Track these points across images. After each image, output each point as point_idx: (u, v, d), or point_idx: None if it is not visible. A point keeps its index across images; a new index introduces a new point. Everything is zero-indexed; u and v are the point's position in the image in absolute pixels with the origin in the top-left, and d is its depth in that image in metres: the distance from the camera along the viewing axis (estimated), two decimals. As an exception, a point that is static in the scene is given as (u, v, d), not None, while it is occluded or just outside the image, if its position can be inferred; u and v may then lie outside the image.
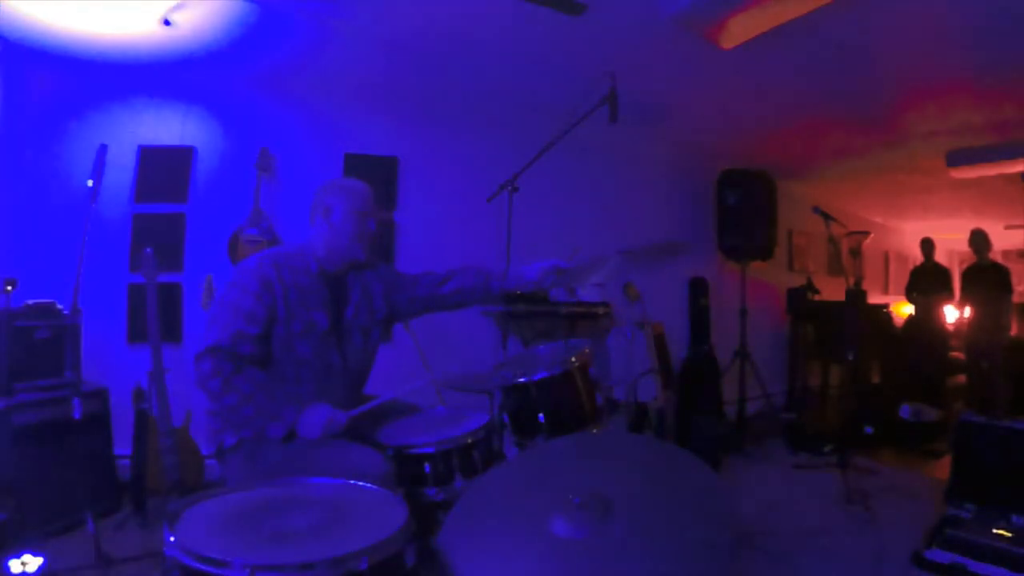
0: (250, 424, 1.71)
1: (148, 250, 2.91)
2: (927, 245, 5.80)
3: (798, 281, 5.51)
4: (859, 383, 4.56)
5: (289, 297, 1.80)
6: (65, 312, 2.66)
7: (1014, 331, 5.40)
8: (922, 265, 5.79)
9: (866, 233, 6.02)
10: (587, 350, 2.12)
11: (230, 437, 1.77)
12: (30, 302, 2.69)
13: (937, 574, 2.23)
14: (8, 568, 1.89)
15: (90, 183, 2.41)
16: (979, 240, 5.15)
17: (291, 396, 1.76)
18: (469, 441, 1.86)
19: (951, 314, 5.85)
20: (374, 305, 2.06)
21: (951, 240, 9.96)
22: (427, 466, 1.82)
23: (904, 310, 6.19)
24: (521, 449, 2.03)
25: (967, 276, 5.31)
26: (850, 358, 4.03)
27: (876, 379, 5.11)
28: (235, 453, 1.77)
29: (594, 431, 2.02)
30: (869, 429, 4.09)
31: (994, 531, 2.40)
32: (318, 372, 1.88)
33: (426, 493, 1.80)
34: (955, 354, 5.82)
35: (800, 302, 5.38)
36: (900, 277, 7.33)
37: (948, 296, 5.62)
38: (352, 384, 2.03)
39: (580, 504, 1.23)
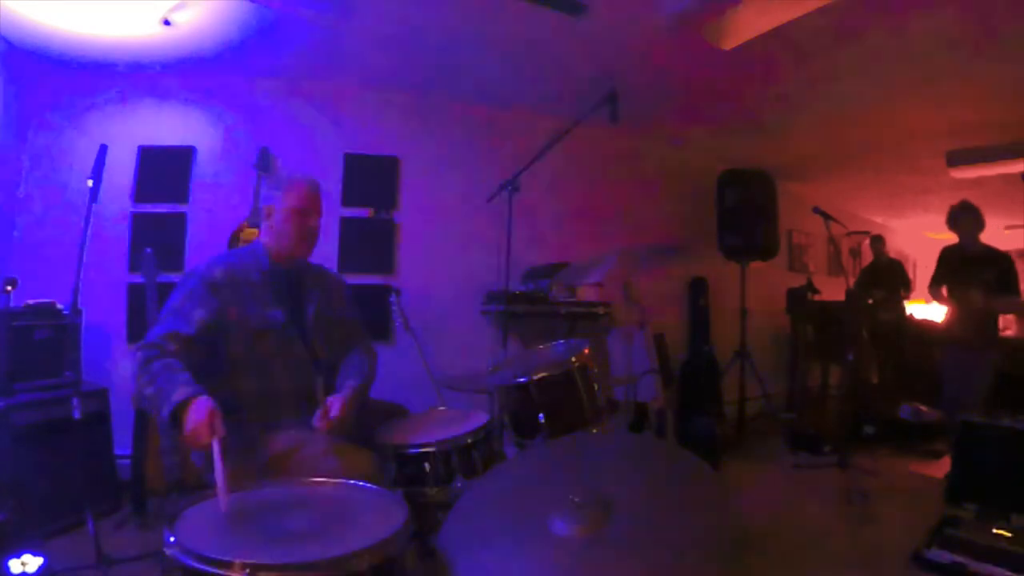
0: (152, 407, 1.59)
1: (148, 250, 2.91)
2: (877, 242, 5.72)
3: (798, 281, 5.51)
4: (859, 383, 4.56)
5: (242, 295, 1.79)
6: (65, 312, 2.66)
7: (1013, 331, 5.40)
8: (875, 263, 5.75)
9: (866, 233, 6.01)
10: (587, 350, 2.12)
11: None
12: (30, 302, 2.69)
13: (937, 574, 2.23)
14: (8, 568, 1.89)
15: (90, 183, 2.41)
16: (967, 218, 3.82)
17: (262, 392, 1.76)
18: (469, 441, 1.87)
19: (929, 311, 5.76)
20: (334, 304, 2.05)
21: (950, 240, 9.98)
22: (427, 466, 1.82)
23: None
24: (521, 449, 2.03)
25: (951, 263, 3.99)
26: (850, 358, 4.03)
27: (876, 379, 5.11)
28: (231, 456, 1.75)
29: (594, 431, 2.02)
30: (869, 429, 4.09)
31: (994, 531, 2.40)
32: (287, 366, 1.85)
33: (426, 493, 1.80)
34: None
35: (800, 302, 5.38)
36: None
37: (906, 292, 5.61)
38: (324, 377, 1.94)
39: (580, 504, 1.23)
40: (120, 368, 3.05)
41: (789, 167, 5.23)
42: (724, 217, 4.79)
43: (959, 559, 2.22)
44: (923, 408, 4.12)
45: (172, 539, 1.02)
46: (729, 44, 2.85)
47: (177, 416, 1.49)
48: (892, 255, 6.05)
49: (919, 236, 8.96)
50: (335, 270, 3.54)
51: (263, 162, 3.40)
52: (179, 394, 1.51)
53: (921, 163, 5.02)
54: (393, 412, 2.22)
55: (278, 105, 3.57)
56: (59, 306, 2.73)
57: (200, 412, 1.46)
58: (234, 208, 3.38)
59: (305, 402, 1.78)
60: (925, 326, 5.50)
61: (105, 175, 2.55)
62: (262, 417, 1.77)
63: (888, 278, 5.53)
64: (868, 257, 5.96)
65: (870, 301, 5.15)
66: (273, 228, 1.88)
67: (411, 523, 1.14)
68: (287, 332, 1.86)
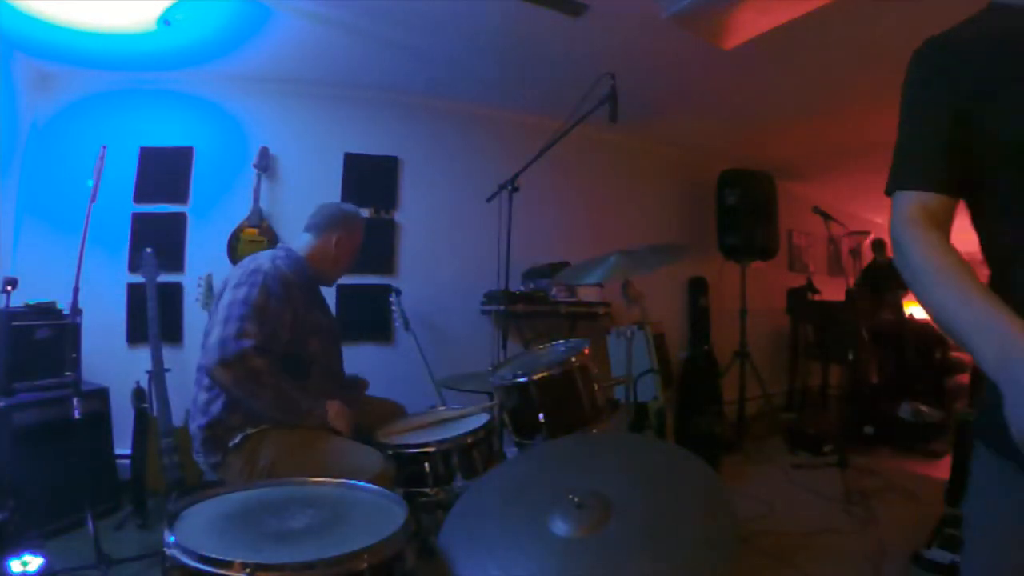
0: (278, 418, 1.78)
1: (148, 250, 2.91)
2: (879, 245, 5.81)
3: (798, 281, 5.51)
4: (859, 383, 4.56)
5: (301, 298, 1.93)
6: (65, 312, 2.66)
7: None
8: (873, 263, 5.79)
9: (866, 233, 6.01)
10: (587, 350, 2.12)
11: (234, 439, 1.78)
12: (30, 302, 2.69)
13: (937, 574, 2.23)
14: (8, 568, 1.89)
15: (90, 183, 2.41)
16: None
17: (301, 391, 1.84)
18: (469, 441, 1.87)
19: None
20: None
21: (951, 240, 9.98)
22: (427, 466, 1.82)
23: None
24: (521, 449, 2.03)
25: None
26: (850, 358, 4.03)
27: (876, 379, 5.11)
28: (237, 455, 1.77)
29: (594, 431, 2.02)
30: (869, 429, 4.09)
31: (994, 531, 2.40)
32: (323, 368, 1.99)
33: (426, 493, 1.80)
34: (956, 354, 5.82)
35: (800, 302, 5.38)
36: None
37: (905, 292, 5.64)
38: (341, 378, 2.16)
39: (580, 504, 1.23)
40: (120, 368, 3.04)
41: (789, 167, 5.23)
42: (724, 217, 4.79)
43: (959, 559, 2.21)
44: (923, 408, 4.12)
45: (172, 539, 1.02)
46: (729, 44, 2.85)
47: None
48: (892, 254, 6.06)
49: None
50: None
51: (263, 161, 3.40)
52: (317, 406, 1.82)
53: (921, 163, 5.01)
54: (392, 411, 2.22)
55: (278, 105, 3.57)
56: (59, 306, 2.72)
57: (343, 411, 1.84)
58: (234, 208, 3.38)
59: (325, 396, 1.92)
60: (925, 326, 5.50)
61: (105, 175, 2.55)
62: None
63: (887, 279, 5.54)
64: (868, 257, 5.96)
65: (866, 304, 5.17)
66: (329, 255, 2.08)
67: (411, 523, 1.14)
68: (329, 335, 2.07)
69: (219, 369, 1.71)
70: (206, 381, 1.84)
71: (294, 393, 1.79)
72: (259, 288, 1.82)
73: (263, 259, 1.92)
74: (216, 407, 1.81)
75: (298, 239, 2.12)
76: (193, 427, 1.86)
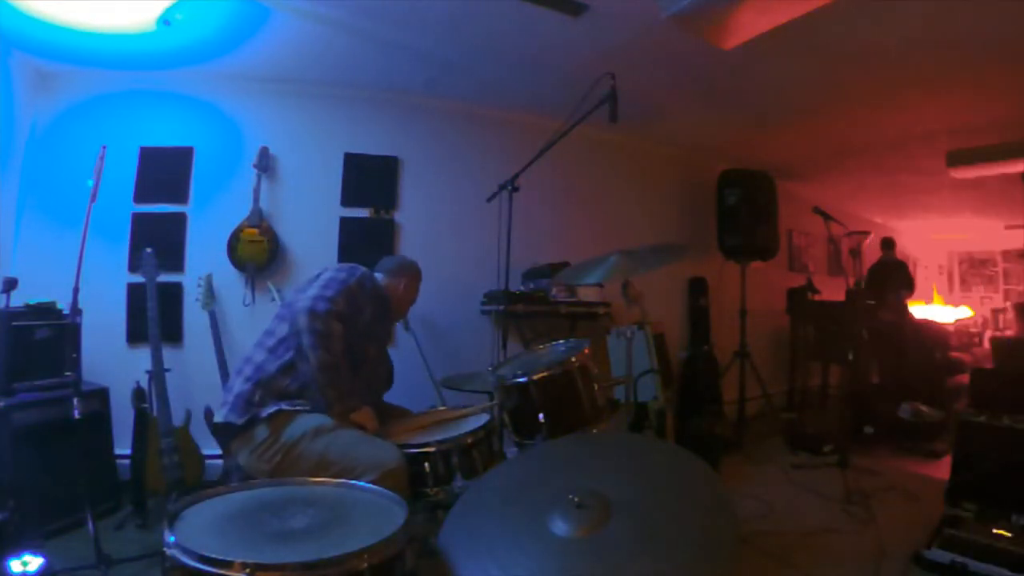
0: (321, 384, 1.92)
1: (148, 250, 2.91)
2: (887, 244, 5.95)
3: (798, 281, 5.51)
4: (859, 383, 4.55)
5: (373, 309, 2.16)
6: (65, 312, 2.66)
7: (1013, 331, 5.41)
8: (881, 262, 5.81)
9: (866, 233, 6.01)
10: (587, 350, 2.12)
11: (268, 408, 1.88)
12: (30, 302, 2.69)
13: (937, 574, 2.23)
14: (8, 568, 1.89)
15: (90, 183, 2.41)
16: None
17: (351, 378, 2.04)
18: (469, 441, 1.87)
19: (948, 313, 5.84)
20: None
21: (951, 240, 9.97)
22: (427, 465, 1.82)
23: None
24: (521, 449, 2.03)
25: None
26: (850, 358, 4.02)
27: (875, 379, 5.11)
28: (264, 425, 1.85)
29: (594, 431, 2.02)
30: (869, 429, 4.09)
31: (994, 531, 2.40)
32: (369, 375, 2.19)
33: (426, 493, 1.80)
34: (955, 354, 5.83)
35: (800, 302, 5.38)
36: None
37: (910, 291, 5.66)
38: (379, 394, 2.37)
39: (580, 504, 1.23)
40: (120, 368, 3.04)
41: (789, 167, 5.23)
42: (724, 217, 4.79)
43: (959, 559, 2.21)
44: (923, 408, 4.12)
45: (172, 539, 1.02)
46: (729, 44, 2.85)
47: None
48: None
49: (920, 236, 8.97)
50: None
51: (263, 161, 3.40)
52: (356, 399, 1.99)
53: (921, 163, 5.02)
54: (399, 415, 2.23)
55: (278, 105, 3.57)
56: (59, 306, 2.73)
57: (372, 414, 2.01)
58: (234, 208, 3.38)
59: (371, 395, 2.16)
60: (925, 326, 5.51)
61: (105, 175, 2.55)
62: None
63: (894, 279, 5.55)
64: (868, 257, 5.97)
65: (872, 302, 5.16)
66: (397, 294, 2.36)
67: (411, 523, 1.14)
68: (383, 353, 2.35)
69: (306, 316, 1.93)
70: (271, 342, 2.03)
71: (346, 373, 1.97)
72: (356, 279, 2.11)
73: (358, 270, 2.19)
74: (272, 367, 1.97)
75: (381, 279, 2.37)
76: (236, 383, 1.98)
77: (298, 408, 1.89)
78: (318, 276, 2.13)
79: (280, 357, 1.98)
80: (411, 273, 2.45)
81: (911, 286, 5.76)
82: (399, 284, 2.37)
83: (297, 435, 1.81)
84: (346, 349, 1.99)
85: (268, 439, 1.83)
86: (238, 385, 1.96)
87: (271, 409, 1.87)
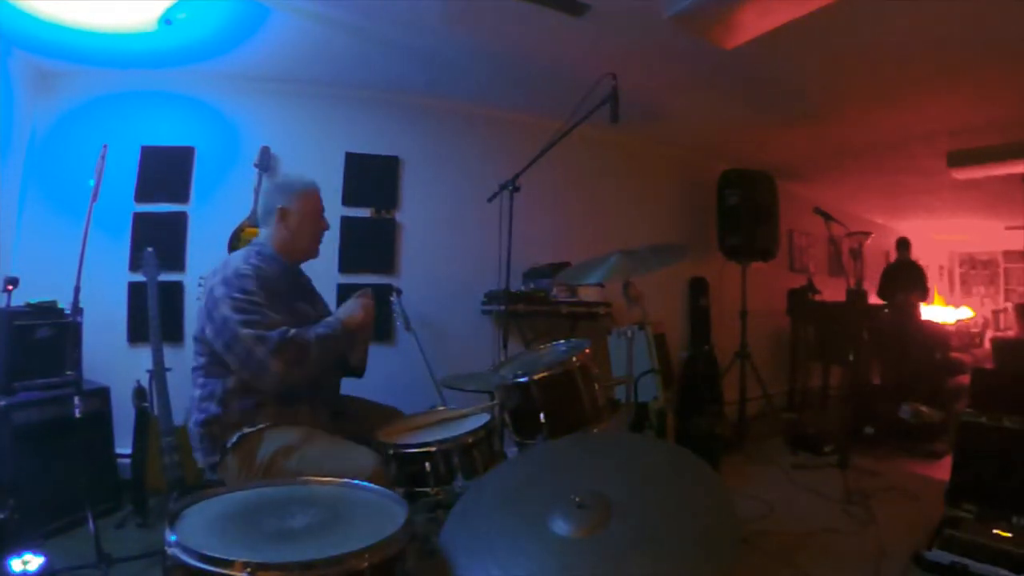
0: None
1: (149, 249, 2.91)
2: (903, 245, 5.97)
3: (799, 281, 5.51)
4: (859, 384, 4.55)
5: (277, 290, 1.88)
6: (66, 311, 2.66)
7: (1014, 331, 5.41)
8: (897, 264, 5.82)
9: (867, 233, 6.01)
10: (588, 350, 2.12)
11: (231, 438, 1.78)
12: (31, 301, 2.69)
13: (937, 574, 2.23)
14: (9, 567, 1.89)
15: (91, 182, 2.42)
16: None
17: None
18: (470, 441, 1.87)
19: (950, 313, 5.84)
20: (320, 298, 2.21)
21: (951, 241, 9.97)
22: (427, 466, 1.82)
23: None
24: (522, 449, 2.03)
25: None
26: (850, 359, 4.03)
27: (876, 379, 5.11)
28: (234, 455, 1.77)
29: (594, 431, 2.02)
30: (869, 429, 4.09)
31: (994, 531, 2.40)
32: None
33: (426, 493, 1.80)
34: (955, 355, 5.82)
35: (801, 303, 5.38)
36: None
37: (923, 295, 5.66)
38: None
39: (580, 504, 1.23)
40: (120, 367, 3.04)
41: (789, 167, 5.23)
42: (724, 217, 4.79)
43: (959, 560, 2.21)
44: (923, 408, 4.12)
45: (173, 538, 1.03)
46: (729, 44, 2.85)
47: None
48: (893, 255, 6.08)
49: (920, 237, 8.97)
50: (336, 270, 3.58)
51: (263, 161, 3.41)
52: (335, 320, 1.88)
53: (921, 163, 5.02)
54: (391, 416, 2.22)
55: (279, 105, 3.57)
56: (60, 305, 2.73)
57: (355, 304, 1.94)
58: (235, 207, 3.38)
59: (322, 390, 1.94)
60: (926, 326, 5.50)
61: (106, 174, 2.56)
62: (284, 405, 1.84)
63: (906, 280, 5.55)
64: (869, 257, 5.97)
65: (882, 303, 5.18)
66: (289, 229, 1.97)
67: (411, 523, 1.14)
68: (316, 306, 2.06)
69: (232, 356, 1.73)
70: (200, 379, 1.84)
71: (298, 330, 1.77)
72: (236, 283, 1.80)
73: (238, 257, 1.90)
74: (211, 404, 1.80)
75: (259, 237, 2.06)
76: (191, 425, 1.86)
77: (260, 426, 1.78)
78: (205, 304, 1.84)
79: (215, 392, 1.80)
80: (281, 196, 1.96)
81: (924, 293, 5.76)
82: (278, 224, 1.96)
83: (271, 453, 1.73)
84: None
85: (243, 466, 1.75)
86: (192, 427, 1.84)
87: (234, 439, 1.77)
